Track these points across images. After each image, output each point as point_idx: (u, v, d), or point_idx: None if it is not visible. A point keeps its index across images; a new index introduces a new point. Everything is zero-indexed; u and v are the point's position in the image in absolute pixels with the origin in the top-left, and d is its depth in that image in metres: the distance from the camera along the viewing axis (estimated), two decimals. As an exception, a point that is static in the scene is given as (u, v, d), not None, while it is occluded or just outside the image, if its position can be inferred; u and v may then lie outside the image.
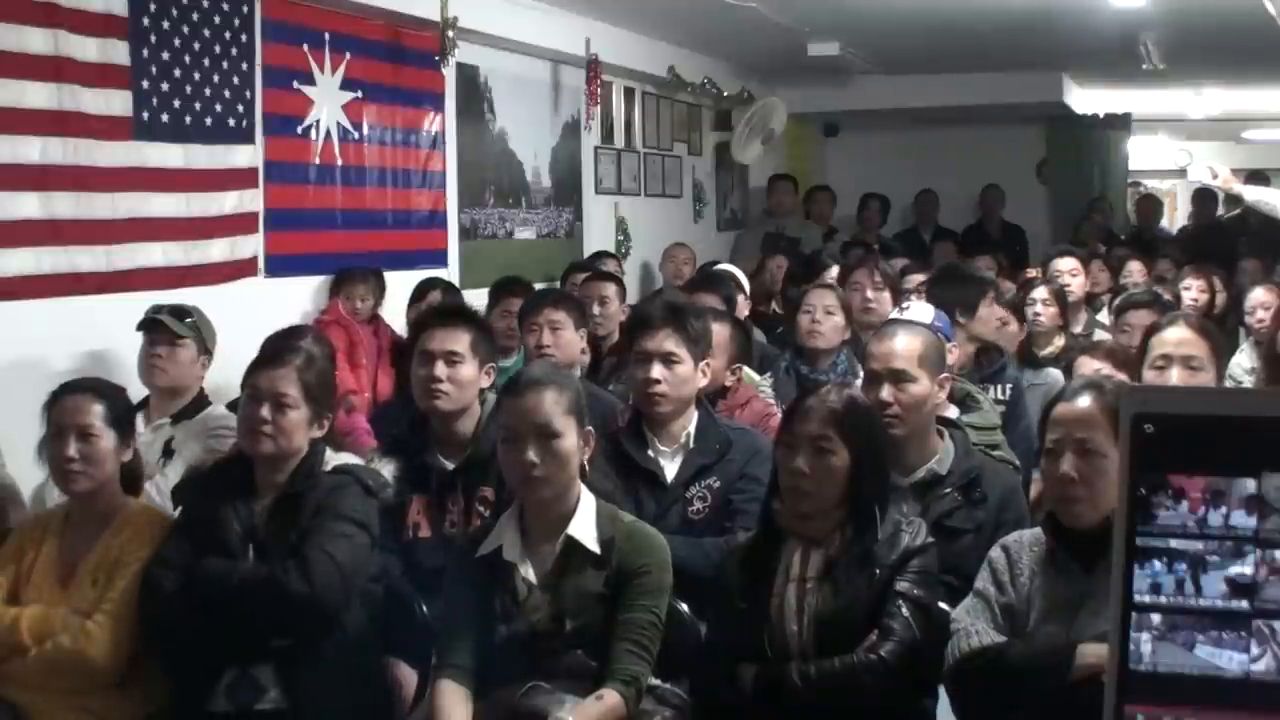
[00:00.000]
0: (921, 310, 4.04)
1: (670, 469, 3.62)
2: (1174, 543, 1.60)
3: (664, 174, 9.22)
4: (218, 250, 5.14)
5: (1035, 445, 3.27)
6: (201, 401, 4.19)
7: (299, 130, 5.66)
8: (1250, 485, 1.58)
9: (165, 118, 4.88)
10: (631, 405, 3.81)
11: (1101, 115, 11.75)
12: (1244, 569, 1.58)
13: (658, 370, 3.62)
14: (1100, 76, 10.88)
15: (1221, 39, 8.46)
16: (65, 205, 4.47)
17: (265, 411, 3.18)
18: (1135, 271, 7.54)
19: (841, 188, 10.71)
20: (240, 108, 5.27)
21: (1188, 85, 11.26)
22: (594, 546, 2.94)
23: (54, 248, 4.42)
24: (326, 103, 5.79)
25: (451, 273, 6.64)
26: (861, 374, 3.91)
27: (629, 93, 8.62)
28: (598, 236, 8.16)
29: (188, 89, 4.99)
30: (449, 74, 6.59)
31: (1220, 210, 10.98)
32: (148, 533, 3.26)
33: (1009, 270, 8.28)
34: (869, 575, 2.93)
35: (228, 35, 5.20)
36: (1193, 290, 6.70)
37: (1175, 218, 14.06)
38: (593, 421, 3.09)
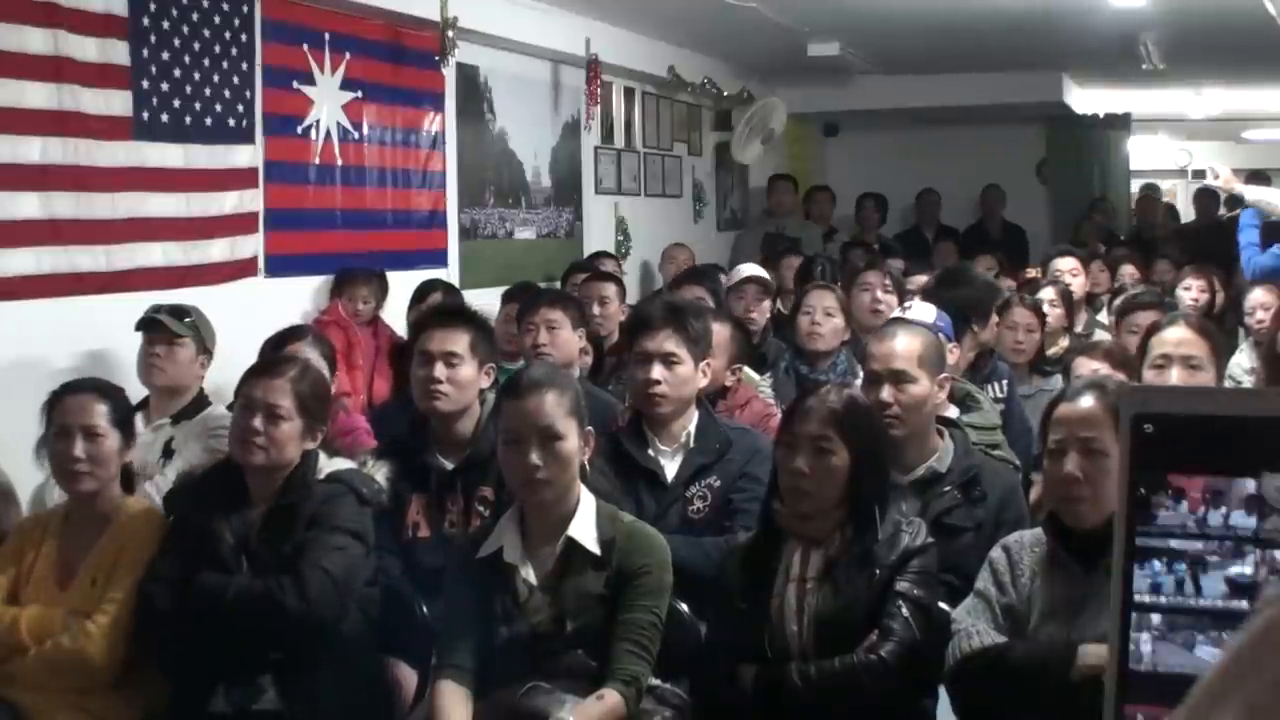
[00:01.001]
0: (923, 310, 4.04)
1: (670, 469, 3.61)
2: (1174, 543, 1.60)
3: (664, 174, 9.21)
4: (218, 250, 5.14)
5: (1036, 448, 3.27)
6: (201, 402, 4.18)
7: (299, 130, 5.65)
8: (1250, 485, 1.58)
9: (165, 118, 4.88)
10: (631, 405, 3.81)
11: (1101, 115, 11.73)
12: (1244, 569, 1.58)
13: (658, 370, 3.62)
14: (1100, 76, 10.87)
15: (1221, 39, 8.45)
16: (65, 205, 4.46)
17: (258, 422, 3.16)
18: (1126, 275, 7.50)
19: (841, 188, 10.69)
20: (240, 108, 5.27)
21: (1188, 85, 11.26)
22: (594, 547, 2.94)
23: (54, 248, 4.42)
24: (326, 103, 5.79)
25: (451, 273, 6.63)
26: (861, 374, 3.91)
27: (629, 93, 8.61)
28: (598, 236, 8.15)
29: (188, 89, 4.99)
30: (449, 74, 6.58)
31: (1221, 210, 10.96)
32: (147, 533, 3.26)
33: (1009, 270, 8.27)
34: (869, 575, 2.93)
35: (228, 35, 5.20)
36: (1192, 290, 6.69)
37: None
38: (593, 421, 3.09)
